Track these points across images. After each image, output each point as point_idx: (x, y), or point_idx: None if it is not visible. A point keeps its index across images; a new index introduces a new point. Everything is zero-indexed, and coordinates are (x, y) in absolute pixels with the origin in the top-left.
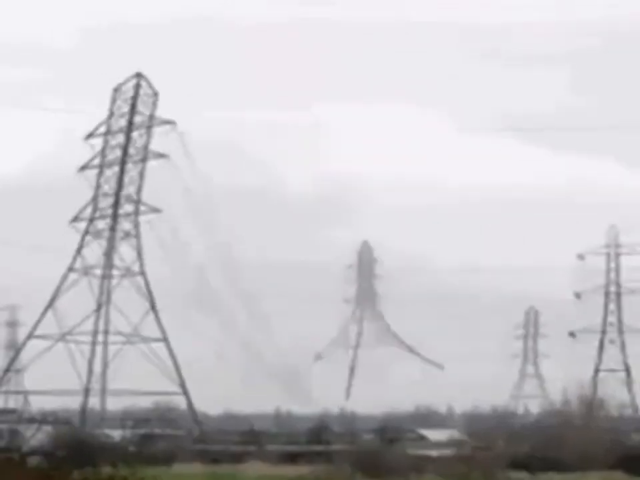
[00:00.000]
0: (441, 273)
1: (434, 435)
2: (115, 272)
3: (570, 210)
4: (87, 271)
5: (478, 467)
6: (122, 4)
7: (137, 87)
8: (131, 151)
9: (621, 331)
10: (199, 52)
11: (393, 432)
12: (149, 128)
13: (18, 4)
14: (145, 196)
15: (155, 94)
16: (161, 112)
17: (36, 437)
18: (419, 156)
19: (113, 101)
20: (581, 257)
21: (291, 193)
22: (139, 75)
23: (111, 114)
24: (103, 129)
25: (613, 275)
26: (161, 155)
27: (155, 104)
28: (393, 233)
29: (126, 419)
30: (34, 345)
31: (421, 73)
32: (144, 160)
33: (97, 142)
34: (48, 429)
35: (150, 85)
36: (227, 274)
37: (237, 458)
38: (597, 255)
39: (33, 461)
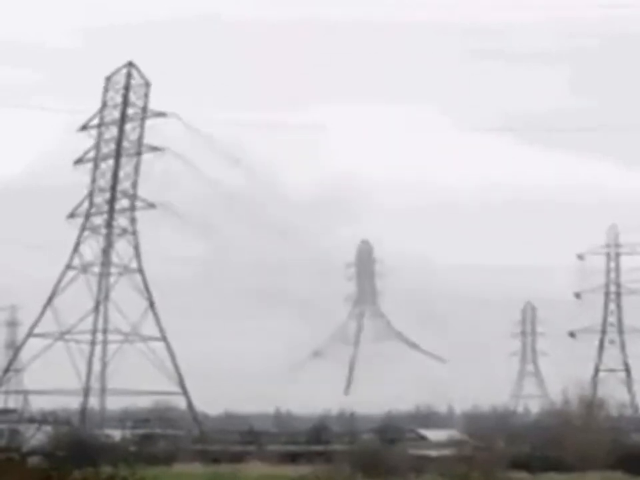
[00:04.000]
0: (440, 272)
1: (434, 434)
2: (112, 269)
3: (570, 210)
4: (85, 269)
5: (478, 466)
6: (122, 4)
7: (129, 76)
8: (125, 144)
9: (621, 331)
10: (199, 52)
11: (393, 432)
12: (142, 120)
13: (17, 4)
14: (142, 190)
15: (147, 84)
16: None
17: (36, 436)
18: (419, 156)
19: (105, 91)
20: (581, 256)
21: (291, 193)
22: (130, 64)
23: (104, 105)
24: (96, 121)
25: (613, 274)
26: (156, 148)
27: (147, 95)
28: (393, 232)
29: (126, 418)
30: (33, 344)
31: (420, 72)
32: (138, 153)
33: (91, 134)
34: (48, 428)
35: (141, 75)
36: (227, 273)
37: (237, 458)
38: (597, 254)
39: (33, 460)
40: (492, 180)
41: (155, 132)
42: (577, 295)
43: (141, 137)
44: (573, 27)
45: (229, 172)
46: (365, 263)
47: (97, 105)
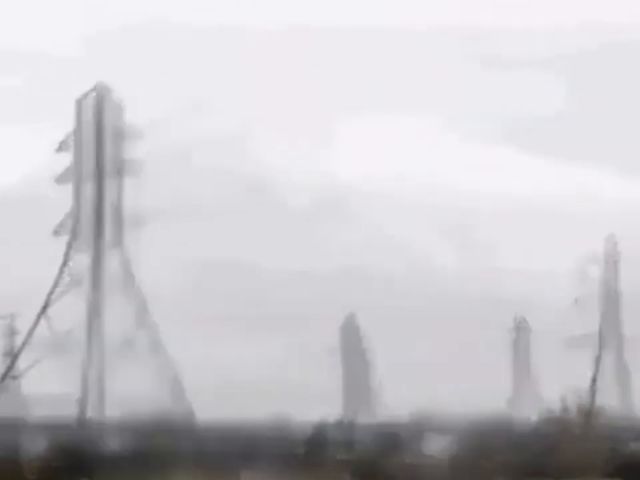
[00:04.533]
0: (440, 278)
1: (433, 442)
2: (104, 281)
3: (568, 218)
4: (76, 282)
5: (477, 475)
6: (123, 12)
7: (100, 97)
8: (105, 163)
9: (619, 338)
10: (200, 58)
11: (391, 440)
12: (118, 140)
13: (16, 12)
14: (131, 204)
15: (120, 105)
16: (160, 114)
17: (32, 445)
18: (420, 163)
19: (78, 111)
20: (579, 264)
21: (291, 195)
22: (100, 85)
23: (79, 124)
24: (71, 141)
25: (611, 283)
26: (137, 165)
27: (120, 115)
28: (393, 237)
29: (123, 427)
30: (29, 353)
31: (419, 78)
32: (119, 172)
33: (68, 154)
34: (44, 437)
35: (113, 96)
36: (227, 278)
37: (235, 466)
38: (595, 263)
39: (29, 469)
40: (491, 187)
41: (136, 149)
42: (575, 302)
43: (119, 155)
44: (572, 33)
45: (229, 173)
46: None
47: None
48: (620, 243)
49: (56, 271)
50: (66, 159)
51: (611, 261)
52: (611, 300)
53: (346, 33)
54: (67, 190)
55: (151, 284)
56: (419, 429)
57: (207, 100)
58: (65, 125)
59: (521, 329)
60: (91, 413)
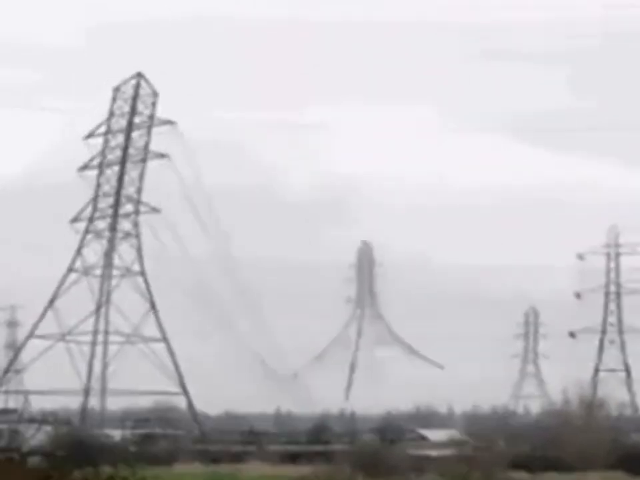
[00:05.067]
0: (440, 272)
1: (434, 435)
2: (114, 272)
3: (570, 210)
4: (87, 271)
5: (478, 467)
6: (123, 4)
7: (137, 86)
8: (131, 151)
9: (621, 331)
10: (199, 52)
11: (393, 432)
12: (149, 128)
13: (18, 4)
14: (145, 195)
15: (155, 94)
16: (161, 111)
17: (36, 436)
18: (418, 156)
19: (114, 100)
20: (581, 256)
21: (291, 193)
22: (139, 75)
23: (111, 114)
24: (103, 129)
25: (613, 274)
26: (162, 155)
27: (154, 104)
28: (393, 232)
29: (126, 418)
30: (34, 345)
31: (419, 72)
32: (144, 160)
33: (97, 142)
34: (48, 429)
35: (149, 85)
36: (227, 274)
37: (237, 458)
38: (597, 254)
39: (33, 461)
40: (491, 180)
41: (160, 138)
42: (577, 295)
43: (147, 144)
44: (573, 27)
45: (229, 172)
46: (365, 264)
47: (97, 105)
48: (622, 234)
49: (59, 264)
50: (69, 146)
51: (613, 253)
52: (613, 292)
53: (349, 26)
54: (67, 183)
55: (156, 276)
56: (421, 420)
57: (206, 92)
58: (65, 116)
59: (528, 323)
60: (94, 404)
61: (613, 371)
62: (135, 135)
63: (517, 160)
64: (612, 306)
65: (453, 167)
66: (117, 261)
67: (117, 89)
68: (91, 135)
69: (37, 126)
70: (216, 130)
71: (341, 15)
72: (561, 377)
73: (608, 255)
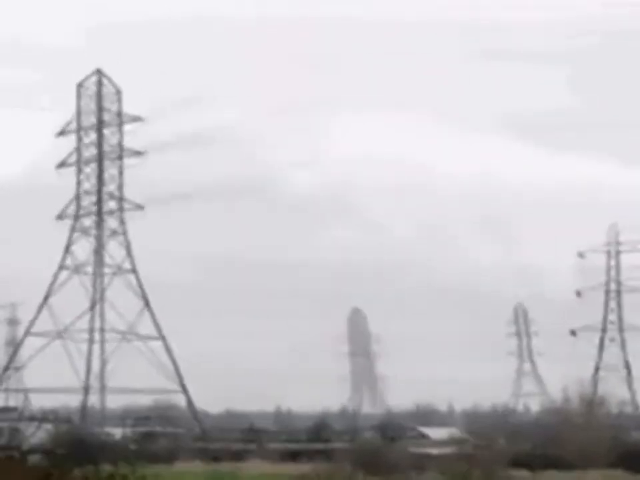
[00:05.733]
0: (440, 272)
1: (435, 433)
2: (106, 270)
3: (570, 209)
4: (78, 269)
5: (478, 465)
6: (123, 4)
7: (99, 83)
8: (106, 148)
9: (621, 329)
10: (199, 52)
11: (393, 430)
12: (119, 125)
13: (18, 4)
14: (140, 192)
15: (118, 91)
16: (162, 111)
17: (36, 435)
18: (418, 155)
19: (79, 97)
20: (581, 255)
21: (291, 193)
22: (99, 72)
23: (79, 111)
24: (73, 126)
25: (613, 272)
26: (138, 153)
27: (119, 100)
28: (393, 232)
29: (126, 417)
30: (32, 343)
31: (419, 72)
32: (120, 157)
33: (71, 139)
34: (48, 427)
35: (112, 82)
36: (227, 273)
37: (238, 456)
38: (597, 252)
39: (34, 459)
40: (491, 179)
41: (134, 136)
42: (578, 293)
43: (120, 141)
44: (573, 26)
45: (228, 172)
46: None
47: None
48: (622, 232)
49: (57, 260)
50: (67, 145)
51: (614, 251)
52: (613, 290)
53: (349, 26)
54: (68, 179)
55: (150, 273)
56: (422, 418)
57: (206, 91)
58: (65, 113)
59: (518, 319)
60: (94, 402)
61: (613, 369)
62: (106, 132)
63: (517, 159)
64: (612, 304)
65: (452, 167)
66: (107, 258)
67: (80, 86)
68: (62, 132)
69: (37, 126)
70: (215, 129)
71: (340, 14)
72: (562, 375)
73: (608, 253)
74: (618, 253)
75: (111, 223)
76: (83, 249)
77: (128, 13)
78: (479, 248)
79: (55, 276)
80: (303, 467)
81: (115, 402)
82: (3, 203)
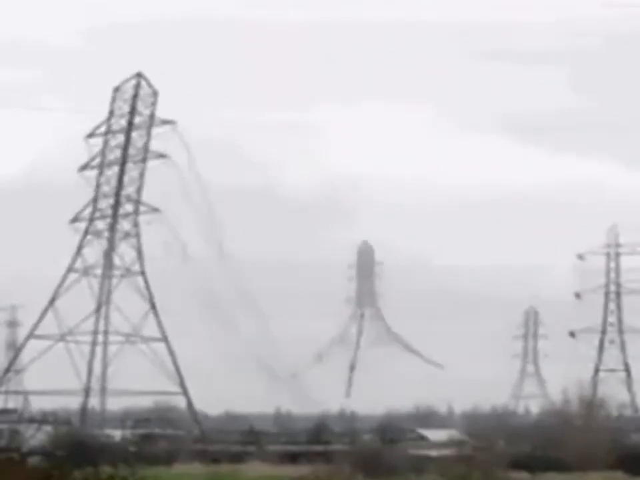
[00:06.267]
0: (440, 272)
1: (434, 434)
2: (115, 272)
3: (570, 210)
4: (87, 271)
5: (478, 467)
6: (122, 4)
7: (137, 86)
8: (131, 151)
9: (621, 331)
10: (199, 52)
11: (393, 432)
12: (149, 128)
13: (18, 4)
14: (145, 195)
15: (155, 93)
16: (161, 111)
17: (36, 436)
18: (419, 155)
19: (113, 100)
20: (581, 257)
21: (291, 193)
22: (139, 75)
23: (111, 114)
24: (103, 129)
25: (613, 274)
26: (161, 155)
27: (154, 104)
28: (393, 232)
29: (126, 419)
30: (34, 345)
31: (419, 72)
32: (144, 160)
33: (97, 142)
34: (48, 428)
35: (150, 85)
36: (227, 274)
37: (237, 458)
38: (597, 254)
39: (33, 460)
40: (492, 180)
41: (160, 139)
42: (577, 295)
43: (147, 144)
44: (574, 26)
45: (228, 172)
46: (366, 263)
47: (97, 105)
48: (622, 234)
49: (59, 264)
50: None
51: (613, 253)
52: (613, 291)
53: (348, 26)
54: (67, 183)
55: (157, 275)
56: (421, 419)
57: (206, 91)
58: (65, 116)
59: (528, 322)
60: (94, 404)
61: (613, 371)
62: (134, 134)
63: (517, 160)
64: (612, 306)
65: (452, 167)
66: (117, 261)
67: (116, 89)
68: (91, 135)
69: (37, 126)
70: (216, 130)
71: (340, 14)
72: (561, 377)
73: (608, 254)
74: (618, 255)
75: (125, 225)
76: (94, 251)
77: (128, 13)
78: (479, 248)
79: (63, 278)
80: (303, 469)
81: (115, 404)
82: (3, 203)
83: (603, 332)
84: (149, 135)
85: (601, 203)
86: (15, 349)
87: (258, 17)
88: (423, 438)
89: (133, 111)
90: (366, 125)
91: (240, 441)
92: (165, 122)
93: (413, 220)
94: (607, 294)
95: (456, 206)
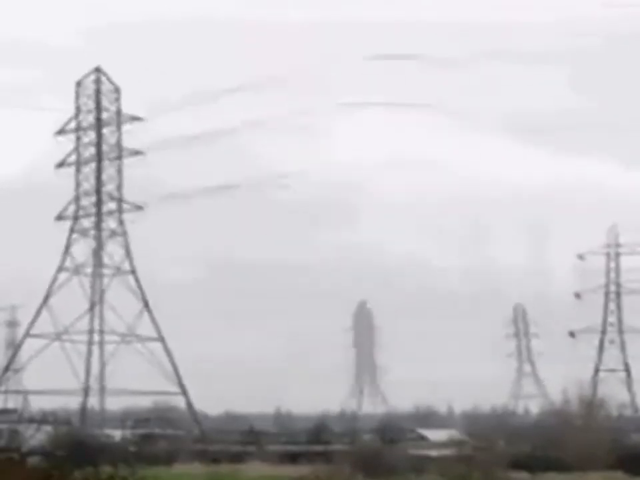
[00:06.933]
0: (439, 272)
1: (434, 434)
2: (105, 271)
3: (570, 210)
4: (77, 270)
5: (478, 467)
6: (122, 4)
7: (98, 81)
8: (105, 148)
9: (620, 331)
10: (199, 52)
11: (393, 432)
12: (118, 124)
13: (18, 4)
14: (140, 192)
15: (117, 89)
16: (161, 111)
17: (36, 436)
18: (420, 156)
19: (77, 96)
20: (581, 256)
21: (291, 193)
22: (97, 70)
23: (78, 110)
24: (72, 125)
25: (612, 274)
26: (137, 152)
27: (118, 99)
28: (393, 232)
29: (126, 418)
30: (32, 345)
31: (419, 72)
32: (119, 157)
33: (69, 138)
34: (48, 428)
35: (110, 81)
36: (227, 274)
37: (237, 458)
38: (597, 254)
39: (33, 460)
40: (492, 180)
41: (133, 135)
42: (577, 295)
43: (119, 141)
44: (574, 26)
45: (228, 172)
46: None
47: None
48: (621, 234)
49: (56, 261)
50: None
51: (613, 253)
52: (612, 291)
53: (348, 26)
54: (68, 179)
55: (149, 273)
56: (421, 419)
57: (205, 91)
58: (65, 114)
59: (517, 320)
60: (93, 404)
61: (612, 371)
62: (105, 131)
63: (517, 160)
64: (612, 306)
65: (452, 167)
66: (106, 259)
67: (78, 84)
68: (61, 132)
69: (36, 126)
70: (215, 129)
71: (340, 14)
72: (561, 377)
73: (608, 254)
74: (618, 255)
75: (110, 223)
76: (82, 250)
77: (128, 13)
78: (479, 248)
79: (54, 277)
80: (303, 469)
81: (114, 404)
82: (3, 203)
83: (603, 332)
84: (119, 131)
85: (601, 203)
86: (14, 348)
87: (258, 16)
88: (423, 438)
89: (98, 107)
90: (366, 125)
91: (240, 440)
92: (134, 118)
93: (412, 220)
94: (606, 294)
95: (456, 206)
